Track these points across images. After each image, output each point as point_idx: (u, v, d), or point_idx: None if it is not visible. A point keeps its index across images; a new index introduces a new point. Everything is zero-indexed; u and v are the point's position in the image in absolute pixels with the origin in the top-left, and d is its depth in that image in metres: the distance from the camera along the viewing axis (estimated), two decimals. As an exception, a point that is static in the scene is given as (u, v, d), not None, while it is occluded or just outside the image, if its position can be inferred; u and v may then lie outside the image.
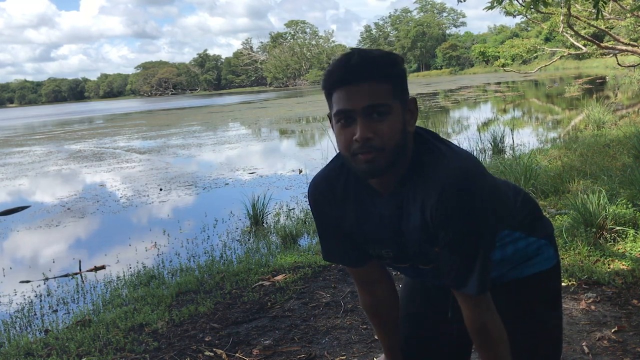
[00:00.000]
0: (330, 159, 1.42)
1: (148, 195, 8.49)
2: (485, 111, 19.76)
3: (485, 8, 8.15)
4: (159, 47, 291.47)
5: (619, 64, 13.92)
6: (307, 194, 1.41)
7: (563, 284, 3.33)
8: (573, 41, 12.98)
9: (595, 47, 12.68)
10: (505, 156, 8.30)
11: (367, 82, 1.13)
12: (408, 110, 1.20)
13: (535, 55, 18.89)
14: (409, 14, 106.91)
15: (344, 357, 2.78)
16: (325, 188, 1.34)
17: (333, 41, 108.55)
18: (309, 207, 6.04)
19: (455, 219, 1.16)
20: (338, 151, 1.35)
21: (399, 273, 1.68)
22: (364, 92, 1.13)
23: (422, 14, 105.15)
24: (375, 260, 1.42)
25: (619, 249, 3.76)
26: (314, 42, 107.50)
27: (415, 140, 1.23)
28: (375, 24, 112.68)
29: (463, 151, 1.24)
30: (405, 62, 1.22)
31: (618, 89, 22.07)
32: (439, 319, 1.47)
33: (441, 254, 1.22)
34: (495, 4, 8.01)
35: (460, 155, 1.21)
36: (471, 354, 1.58)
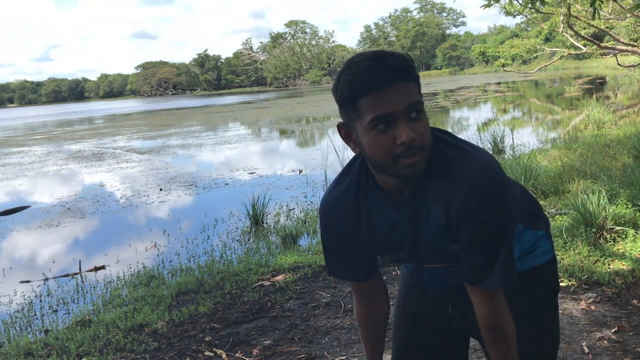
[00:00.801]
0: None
1: (148, 195, 8.49)
2: (485, 111, 19.75)
3: (483, 6, 8.16)
4: (159, 47, 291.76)
5: (619, 64, 13.91)
6: (317, 212, 1.43)
7: (563, 284, 3.34)
8: (573, 41, 12.97)
9: (595, 47, 12.67)
10: (505, 156, 8.30)
11: (403, 83, 1.13)
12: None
13: (535, 55, 18.89)
14: (408, 14, 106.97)
15: (344, 357, 2.78)
16: (340, 207, 1.32)
17: (333, 41, 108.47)
18: (309, 207, 6.02)
19: (482, 214, 1.17)
20: (347, 161, 1.36)
21: (398, 273, 1.68)
22: (403, 93, 1.11)
23: (422, 14, 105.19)
24: (378, 276, 1.45)
25: (619, 249, 3.77)
26: (314, 42, 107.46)
27: (433, 138, 1.23)
28: (375, 24, 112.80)
29: (481, 148, 1.25)
30: None
31: (618, 89, 22.07)
32: (438, 317, 1.48)
33: (463, 249, 1.22)
34: (492, 2, 8.01)
35: (481, 152, 1.22)
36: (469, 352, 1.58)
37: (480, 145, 9.29)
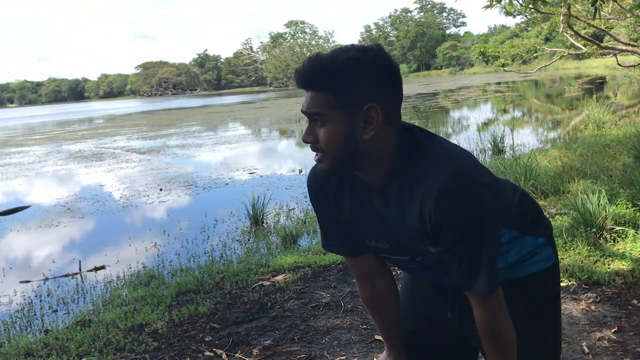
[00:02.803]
0: None
1: (148, 195, 8.49)
2: (485, 111, 19.75)
3: (484, 7, 8.15)
4: (158, 47, 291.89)
5: (619, 64, 13.90)
6: (306, 184, 1.42)
7: (563, 284, 3.34)
8: (573, 41, 12.97)
9: (595, 47, 12.67)
10: (505, 156, 8.30)
11: (313, 90, 1.18)
12: (366, 117, 1.16)
13: (535, 55, 18.89)
14: (408, 13, 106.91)
15: (344, 357, 2.78)
16: (323, 179, 1.35)
17: (333, 41, 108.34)
18: (308, 207, 6.03)
19: (455, 220, 1.15)
20: None
21: (399, 273, 1.67)
22: (309, 99, 1.19)
23: (422, 13, 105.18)
24: (373, 252, 1.42)
25: (619, 249, 3.77)
26: (314, 42, 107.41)
27: (406, 139, 1.22)
28: (375, 24, 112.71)
29: (458, 148, 1.23)
30: (372, 62, 1.15)
31: (618, 89, 22.06)
32: (439, 320, 1.47)
33: (445, 255, 1.21)
34: (494, 3, 8.00)
35: (455, 154, 1.20)
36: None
37: (480, 146, 9.40)
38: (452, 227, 1.16)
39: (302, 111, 1.22)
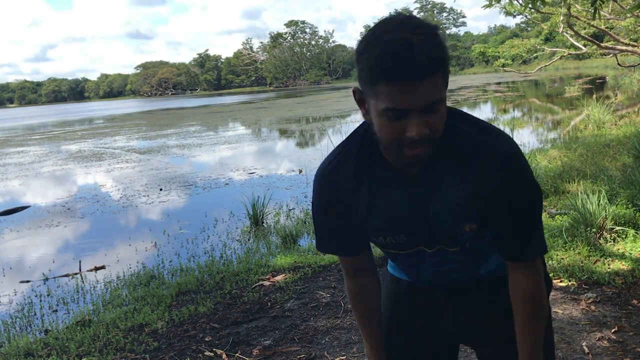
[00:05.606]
0: None
1: (148, 196, 8.49)
2: (485, 111, 19.75)
3: (484, 6, 8.17)
4: (159, 47, 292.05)
5: (619, 64, 13.91)
6: (312, 181, 1.33)
7: (563, 284, 3.34)
8: (573, 41, 12.99)
9: (595, 47, 12.68)
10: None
11: (429, 77, 1.01)
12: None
13: (535, 55, 18.88)
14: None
15: (344, 357, 2.78)
16: (336, 176, 1.27)
17: (333, 41, 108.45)
18: (309, 207, 5.99)
19: (520, 188, 1.17)
20: (349, 134, 1.29)
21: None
22: (424, 90, 1.01)
23: (422, 13, 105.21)
24: (368, 251, 1.39)
25: (619, 249, 3.77)
26: (313, 42, 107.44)
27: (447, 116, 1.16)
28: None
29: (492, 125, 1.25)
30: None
31: (618, 89, 22.05)
32: (427, 330, 1.45)
33: (500, 226, 1.21)
34: (493, 2, 8.03)
35: (498, 129, 1.21)
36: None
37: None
38: (516, 195, 1.17)
39: (407, 108, 1.03)
